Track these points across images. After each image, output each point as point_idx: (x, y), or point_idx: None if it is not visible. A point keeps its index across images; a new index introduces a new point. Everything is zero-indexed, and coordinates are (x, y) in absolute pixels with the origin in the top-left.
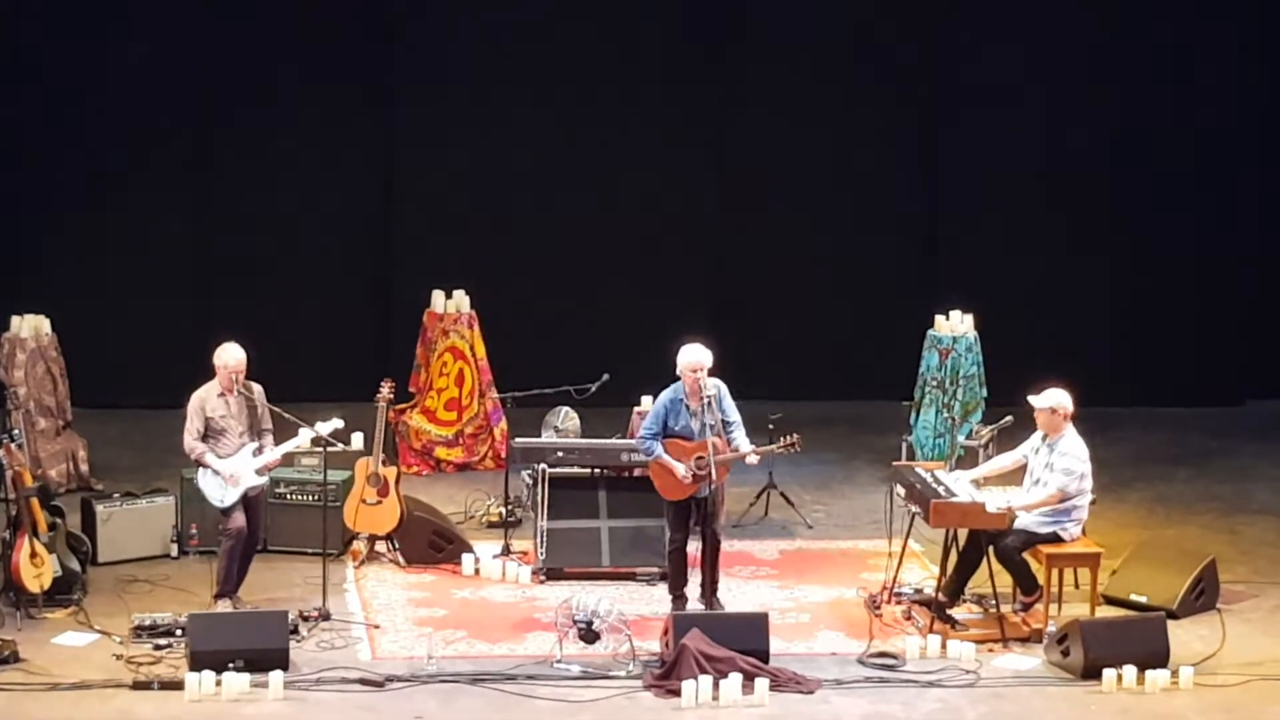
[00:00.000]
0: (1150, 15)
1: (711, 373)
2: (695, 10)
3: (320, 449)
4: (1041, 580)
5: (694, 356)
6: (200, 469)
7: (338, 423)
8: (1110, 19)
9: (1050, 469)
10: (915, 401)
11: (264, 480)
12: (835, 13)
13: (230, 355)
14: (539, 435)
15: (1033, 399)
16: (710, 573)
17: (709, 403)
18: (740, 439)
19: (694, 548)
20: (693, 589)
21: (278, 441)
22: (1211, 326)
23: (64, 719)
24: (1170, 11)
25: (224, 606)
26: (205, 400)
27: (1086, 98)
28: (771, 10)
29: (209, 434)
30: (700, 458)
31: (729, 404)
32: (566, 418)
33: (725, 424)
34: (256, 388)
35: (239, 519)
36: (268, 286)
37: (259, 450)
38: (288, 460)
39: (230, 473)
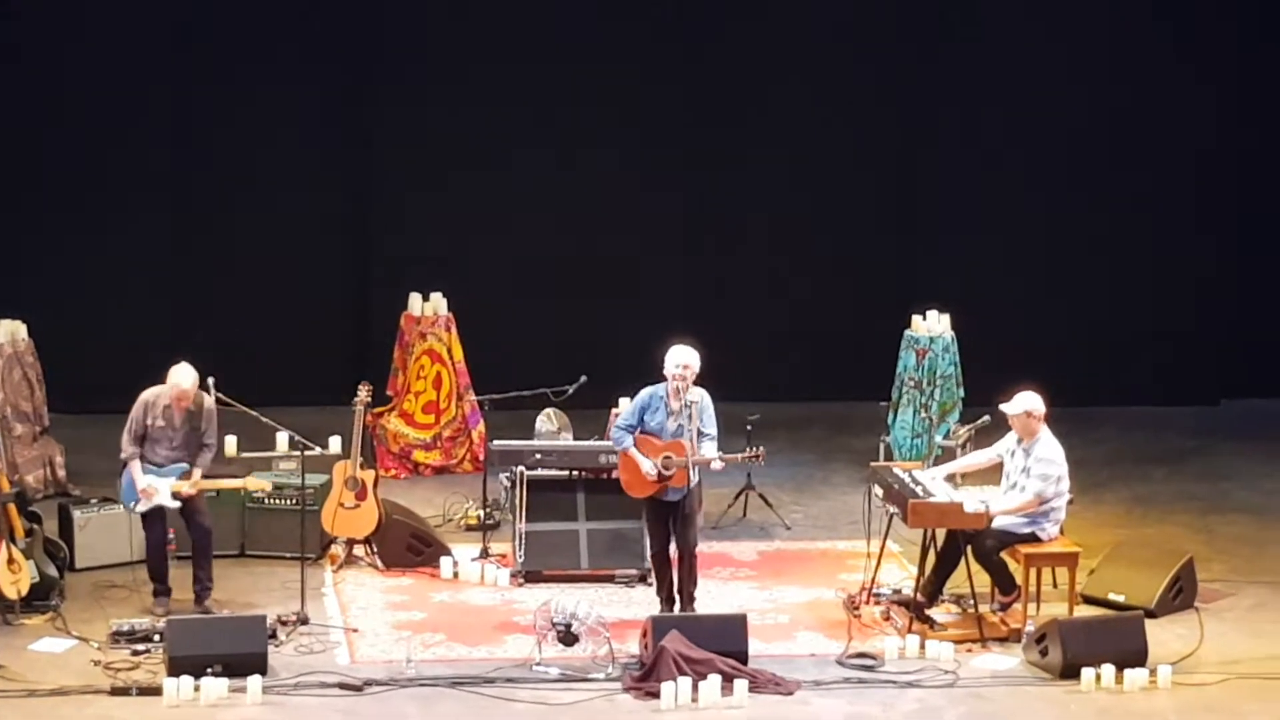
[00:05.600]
0: (1132, 17)
1: (698, 381)
2: (675, 13)
3: (298, 453)
4: (1020, 580)
5: (680, 356)
6: (125, 467)
7: (266, 484)
8: (1093, 21)
9: (1027, 474)
10: (893, 402)
11: (176, 504)
12: (821, 18)
13: (179, 378)
14: (518, 438)
15: (1004, 407)
16: (686, 586)
17: (690, 408)
18: (709, 450)
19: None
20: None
21: (249, 449)
22: (1187, 326)
23: None
24: (1152, 12)
25: (159, 608)
26: (150, 406)
27: (1066, 98)
28: (754, 14)
29: (145, 437)
30: (668, 457)
31: (709, 416)
32: (556, 416)
33: (700, 434)
34: (208, 401)
35: (157, 529)
36: (244, 290)
37: (187, 474)
38: (264, 465)
39: (144, 486)
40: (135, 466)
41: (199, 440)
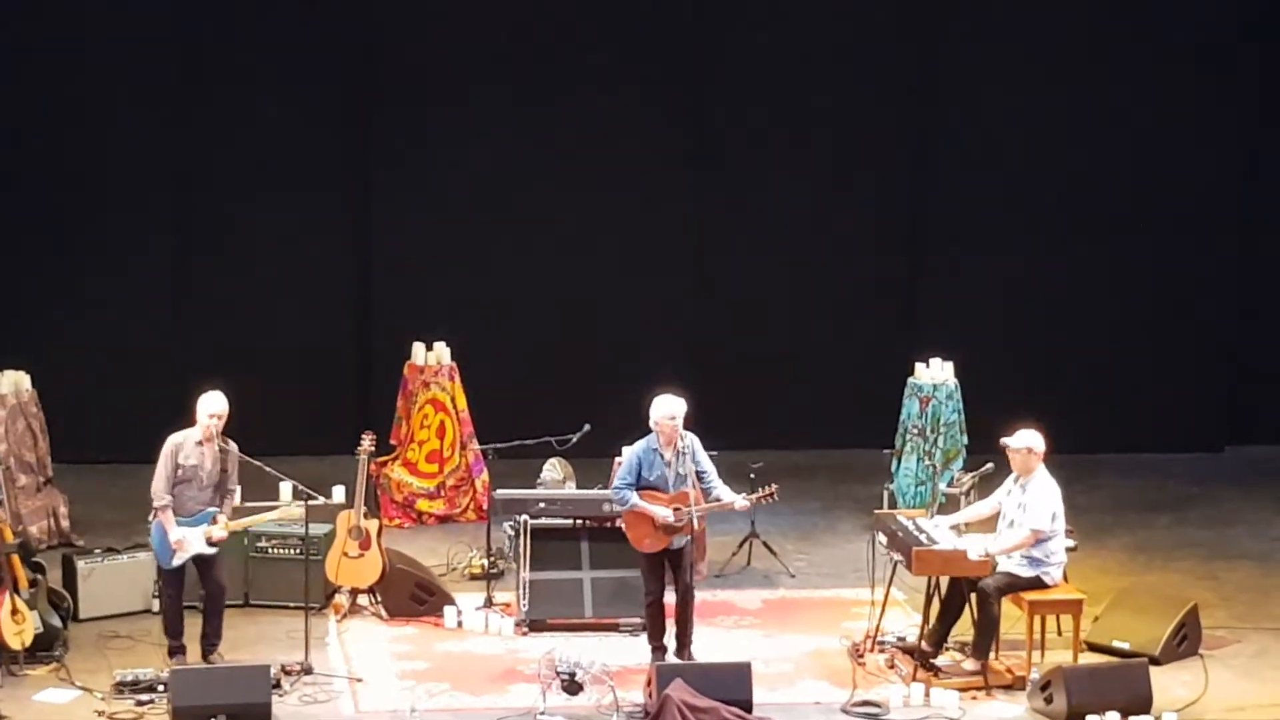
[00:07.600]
0: (1125, 57)
1: (686, 424)
2: (671, 60)
3: (301, 502)
4: (1024, 627)
5: (668, 407)
6: (156, 519)
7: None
8: (1087, 62)
9: (1023, 509)
10: (896, 449)
11: (213, 550)
12: (812, 63)
13: (213, 402)
14: (522, 487)
15: (1006, 440)
16: (683, 626)
17: (683, 454)
18: (719, 489)
19: (671, 598)
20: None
21: (253, 498)
22: (1191, 373)
23: None
24: (1146, 54)
25: (178, 664)
26: (181, 446)
27: (1064, 142)
28: (747, 61)
29: (176, 481)
30: (678, 508)
31: (702, 455)
32: (561, 465)
33: (699, 474)
34: (232, 445)
35: (177, 584)
36: (247, 340)
37: (215, 520)
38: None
39: (177, 539)
40: (168, 519)
41: (225, 485)
